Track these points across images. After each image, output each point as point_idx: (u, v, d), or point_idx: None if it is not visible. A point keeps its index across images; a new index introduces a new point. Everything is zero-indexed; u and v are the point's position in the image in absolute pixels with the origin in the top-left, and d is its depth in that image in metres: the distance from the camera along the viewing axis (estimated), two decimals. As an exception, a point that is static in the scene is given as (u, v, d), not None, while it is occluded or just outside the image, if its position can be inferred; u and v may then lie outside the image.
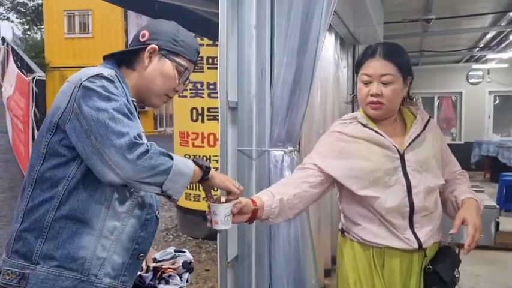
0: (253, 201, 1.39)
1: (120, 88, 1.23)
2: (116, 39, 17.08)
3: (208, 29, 3.54)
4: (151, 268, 1.57)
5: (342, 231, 1.60)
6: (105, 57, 1.35)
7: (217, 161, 5.10)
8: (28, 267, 1.16)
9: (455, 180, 1.60)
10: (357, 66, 1.54)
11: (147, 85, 1.34)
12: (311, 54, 1.81)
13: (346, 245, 1.57)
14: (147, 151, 1.13)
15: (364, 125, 1.52)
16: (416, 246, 1.45)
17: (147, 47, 1.31)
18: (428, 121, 1.56)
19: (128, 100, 1.25)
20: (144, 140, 1.16)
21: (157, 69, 1.33)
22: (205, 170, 1.25)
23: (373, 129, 1.50)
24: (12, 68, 8.20)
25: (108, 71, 1.24)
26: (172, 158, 1.17)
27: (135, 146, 1.11)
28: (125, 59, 1.34)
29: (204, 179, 1.26)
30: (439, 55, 8.21)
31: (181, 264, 1.54)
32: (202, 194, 4.80)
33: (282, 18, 1.85)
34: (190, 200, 4.90)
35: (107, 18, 17.06)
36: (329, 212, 3.47)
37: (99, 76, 1.18)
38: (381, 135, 1.49)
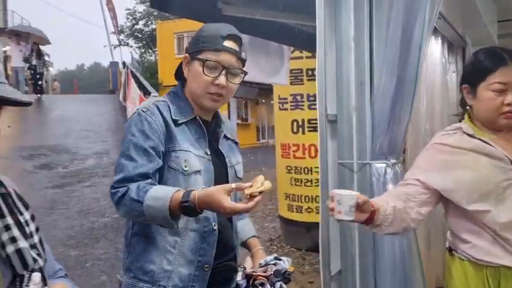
0: (371, 203, 1.35)
1: (155, 117, 1.36)
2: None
3: (306, 41, 3.57)
4: (244, 275, 1.59)
5: (450, 249, 1.50)
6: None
7: (318, 172, 5.06)
8: (122, 276, 1.41)
9: None
10: (480, 74, 1.42)
11: (191, 92, 1.44)
12: (413, 63, 1.73)
13: (455, 264, 1.46)
14: (121, 196, 1.26)
15: (471, 135, 1.41)
16: None
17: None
18: None
19: (166, 124, 1.37)
20: (148, 180, 1.29)
21: (190, 74, 1.43)
22: (182, 207, 1.20)
23: (480, 139, 1.39)
24: (134, 89, 9.05)
25: (147, 103, 1.41)
26: (142, 202, 1.22)
27: (112, 194, 1.29)
28: (181, 76, 1.48)
29: (188, 212, 1.22)
30: None
31: (272, 273, 1.53)
32: (305, 206, 4.82)
33: (381, 27, 1.81)
34: (292, 211, 4.94)
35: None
36: (440, 227, 3.25)
37: (136, 112, 1.39)
38: (490, 145, 1.38)
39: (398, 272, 1.80)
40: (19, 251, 0.84)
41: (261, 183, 1.20)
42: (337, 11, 1.92)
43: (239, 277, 1.54)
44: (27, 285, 0.83)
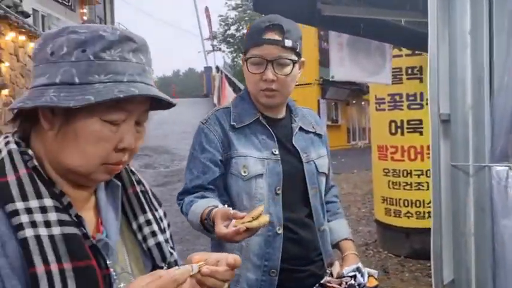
0: None
1: (212, 127, 1.42)
2: (310, 57, 17.96)
3: (407, 38, 3.42)
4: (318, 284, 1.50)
5: None
6: None
7: (418, 175, 4.83)
8: None
9: None
10: None
11: (250, 93, 1.46)
12: (542, 56, 1.57)
13: None
14: (181, 209, 1.41)
15: None
16: None
17: None
18: None
19: (224, 132, 1.40)
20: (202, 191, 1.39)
21: (245, 74, 1.44)
22: (204, 224, 1.27)
23: None
24: (229, 91, 9.38)
25: (209, 114, 1.48)
26: (187, 216, 1.35)
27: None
28: None
29: (209, 229, 1.26)
30: None
31: (346, 287, 1.42)
32: (403, 210, 4.61)
33: (504, 18, 1.67)
34: (390, 215, 4.75)
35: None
36: None
37: (199, 124, 1.48)
38: None
39: (523, 286, 1.64)
40: (159, 245, 0.89)
41: (255, 216, 1.09)
42: (451, 3, 1.81)
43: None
44: None
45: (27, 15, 8.45)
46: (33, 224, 0.71)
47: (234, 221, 1.12)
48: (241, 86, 8.48)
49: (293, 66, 1.38)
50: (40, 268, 0.68)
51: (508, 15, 1.62)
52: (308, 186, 1.44)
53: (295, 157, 1.44)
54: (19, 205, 0.71)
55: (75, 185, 0.81)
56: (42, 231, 0.71)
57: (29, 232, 0.70)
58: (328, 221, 1.56)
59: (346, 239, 1.56)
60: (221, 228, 1.11)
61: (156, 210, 0.94)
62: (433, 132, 1.79)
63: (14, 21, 6.45)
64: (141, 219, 0.89)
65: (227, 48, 26.04)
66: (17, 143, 0.78)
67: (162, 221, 0.94)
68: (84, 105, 0.71)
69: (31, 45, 7.93)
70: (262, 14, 3.09)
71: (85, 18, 17.09)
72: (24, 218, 0.71)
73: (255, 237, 1.30)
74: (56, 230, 0.72)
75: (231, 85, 9.30)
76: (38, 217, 0.72)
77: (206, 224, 1.25)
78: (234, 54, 25.97)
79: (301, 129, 1.49)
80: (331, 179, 1.64)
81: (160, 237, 0.90)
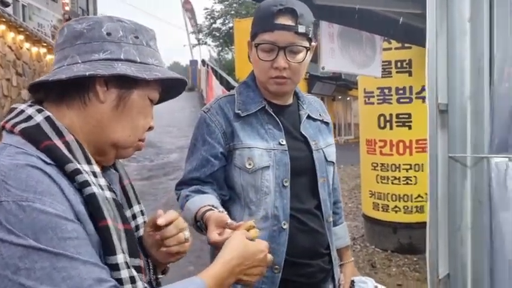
0: None
1: (214, 117, 1.35)
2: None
3: (399, 31, 3.38)
4: None
5: None
6: None
7: (407, 169, 4.82)
8: None
9: None
10: None
11: (257, 79, 1.39)
12: (545, 44, 1.53)
13: None
14: (177, 199, 1.38)
15: None
16: None
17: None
18: None
19: (228, 121, 1.34)
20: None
21: (252, 60, 1.37)
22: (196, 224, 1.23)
23: None
24: (216, 84, 9.32)
25: (211, 102, 1.42)
26: (182, 210, 1.31)
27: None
28: None
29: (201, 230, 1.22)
30: None
31: None
32: (391, 205, 4.60)
33: (505, 7, 1.62)
34: (378, 210, 4.74)
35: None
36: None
37: (200, 113, 1.41)
38: None
39: (522, 280, 1.61)
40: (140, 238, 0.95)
41: (246, 229, 1.01)
42: (450, -10, 1.76)
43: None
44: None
45: (7, 5, 8.21)
46: (94, 184, 0.76)
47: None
48: (229, 79, 8.38)
49: (306, 52, 1.31)
50: (109, 221, 0.75)
51: (510, 1, 1.57)
52: (317, 176, 1.39)
53: (304, 145, 1.39)
54: (78, 166, 0.75)
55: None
56: (101, 192, 0.77)
57: (95, 189, 0.75)
58: (334, 225, 1.54)
59: (346, 246, 1.58)
60: (214, 235, 1.05)
61: (141, 203, 0.99)
62: (431, 123, 1.73)
63: (-7, 10, 6.22)
64: (136, 208, 0.95)
65: (213, 42, 25.81)
66: None
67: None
68: (154, 79, 0.82)
69: (11, 35, 7.69)
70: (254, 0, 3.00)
71: (67, 8, 16.73)
72: (87, 177, 0.75)
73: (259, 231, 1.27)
74: (108, 194, 0.79)
75: (218, 78, 9.23)
76: (93, 180, 0.77)
77: (199, 225, 1.20)
78: (220, 48, 25.77)
79: (308, 117, 1.44)
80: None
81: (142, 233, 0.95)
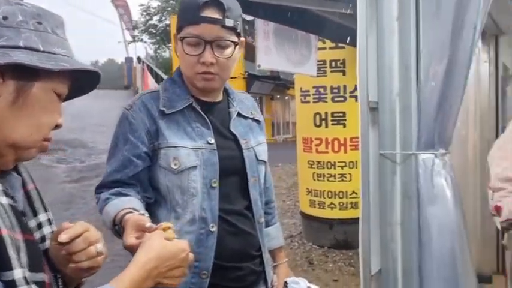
0: None
1: (137, 114, 1.26)
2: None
3: (333, 30, 3.43)
4: None
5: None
6: None
7: (342, 167, 4.93)
8: None
9: None
10: None
11: (184, 75, 1.32)
12: (467, 45, 1.58)
13: None
14: (97, 203, 1.27)
15: None
16: None
17: None
18: None
19: (152, 119, 1.25)
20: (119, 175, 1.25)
21: (179, 55, 1.29)
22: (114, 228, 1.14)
23: None
24: (152, 82, 9.09)
25: (134, 98, 1.32)
26: (101, 214, 1.22)
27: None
28: None
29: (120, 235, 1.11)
30: None
31: None
32: (327, 202, 4.68)
33: (431, 6, 1.65)
34: (314, 207, 4.81)
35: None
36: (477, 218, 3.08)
37: (122, 110, 1.31)
38: None
39: (448, 272, 1.66)
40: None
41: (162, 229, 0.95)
42: (379, -12, 1.78)
43: None
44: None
45: None
46: None
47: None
48: (165, 77, 8.20)
49: (234, 47, 1.26)
50: (4, 231, 0.68)
51: (436, 3, 1.61)
52: (248, 175, 1.34)
53: (234, 144, 1.33)
54: None
55: None
56: None
57: None
58: (267, 226, 1.50)
59: (280, 246, 1.54)
60: (129, 238, 0.96)
61: (48, 211, 0.87)
62: (362, 121, 1.74)
63: None
64: (42, 217, 0.85)
65: (149, 39, 25.16)
66: None
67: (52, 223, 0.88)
68: (61, 70, 0.74)
69: None
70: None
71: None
72: None
73: (185, 235, 1.20)
74: (4, 200, 0.72)
75: (154, 76, 8.98)
76: None
77: (117, 229, 1.10)
78: (157, 46, 25.19)
79: (239, 114, 1.39)
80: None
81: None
